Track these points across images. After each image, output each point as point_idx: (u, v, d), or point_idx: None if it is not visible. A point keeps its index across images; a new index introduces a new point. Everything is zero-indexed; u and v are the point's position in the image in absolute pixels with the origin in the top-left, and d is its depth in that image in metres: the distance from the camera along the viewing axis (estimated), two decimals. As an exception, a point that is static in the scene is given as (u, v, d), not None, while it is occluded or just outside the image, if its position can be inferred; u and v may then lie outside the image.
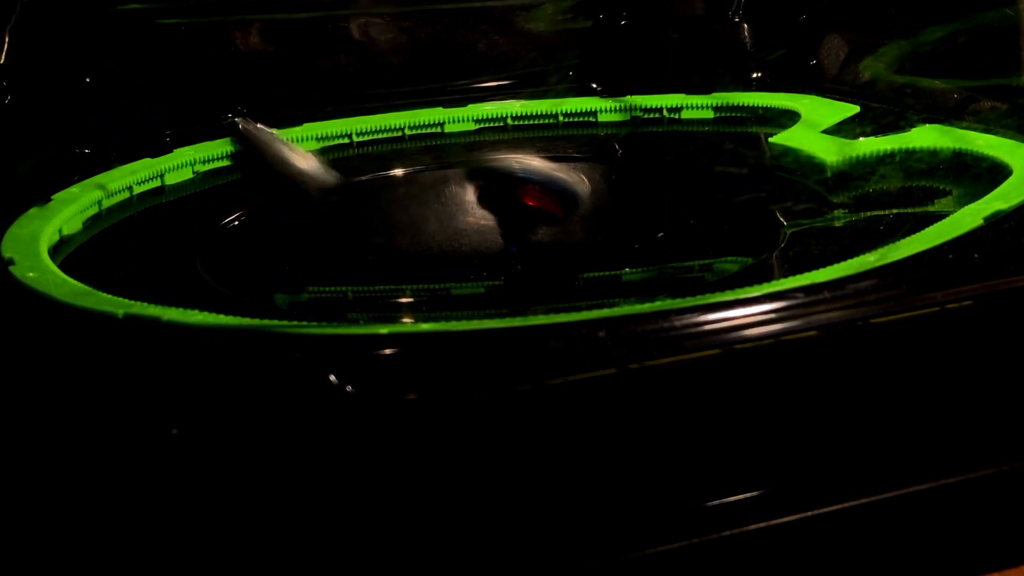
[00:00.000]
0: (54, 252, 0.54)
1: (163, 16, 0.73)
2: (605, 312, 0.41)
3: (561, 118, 0.73)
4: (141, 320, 0.42)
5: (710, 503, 0.40)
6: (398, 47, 0.77)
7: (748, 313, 0.41)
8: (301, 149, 0.58)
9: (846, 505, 0.42)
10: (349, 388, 0.37)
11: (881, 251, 0.45)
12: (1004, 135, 0.58)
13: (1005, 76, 0.64)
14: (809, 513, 0.41)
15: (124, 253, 0.57)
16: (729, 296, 0.42)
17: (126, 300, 0.44)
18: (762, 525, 0.41)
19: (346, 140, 0.71)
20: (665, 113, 0.72)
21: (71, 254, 0.55)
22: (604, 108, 0.73)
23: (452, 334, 0.40)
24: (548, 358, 0.39)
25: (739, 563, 0.41)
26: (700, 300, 0.41)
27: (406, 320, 0.54)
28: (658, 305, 0.42)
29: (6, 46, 0.67)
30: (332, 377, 0.37)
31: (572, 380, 0.39)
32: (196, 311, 0.42)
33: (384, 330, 0.41)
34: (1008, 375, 0.43)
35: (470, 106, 0.74)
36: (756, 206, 0.59)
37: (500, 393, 0.38)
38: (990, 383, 0.43)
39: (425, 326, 0.41)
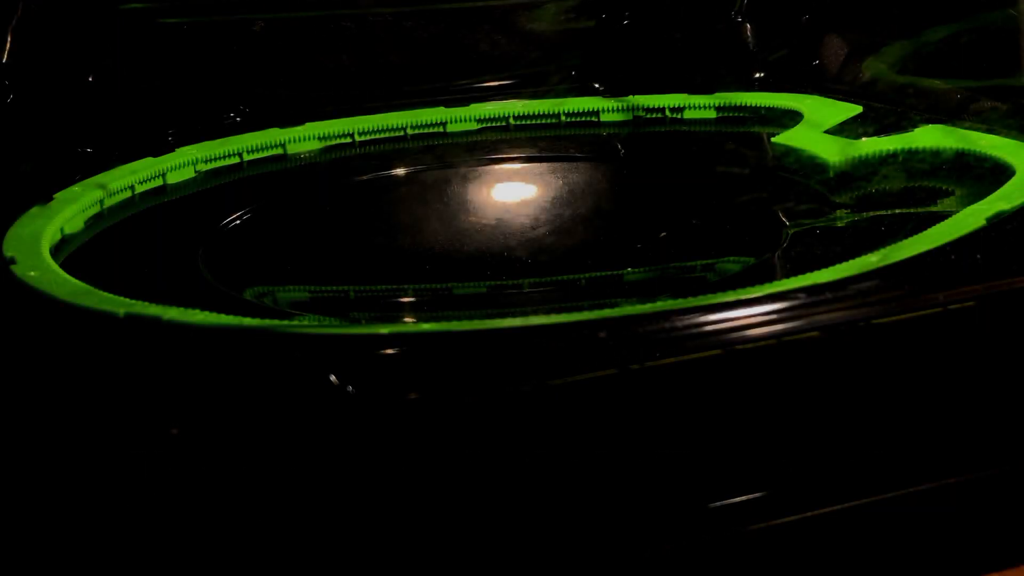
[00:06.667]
0: (56, 251, 0.54)
1: (165, 15, 0.73)
2: (606, 312, 0.41)
3: (563, 118, 0.73)
4: (142, 319, 0.42)
5: (712, 504, 0.40)
6: (401, 46, 0.77)
7: (750, 314, 0.41)
8: None
9: (847, 505, 0.42)
10: (350, 388, 0.37)
11: (883, 252, 0.45)
12: (1007, 135, 0.58)
13: (1008, 76, 0.64)
14: (810, 513, 0.41)
15: (126, 252, 0.57)
16: (731, 296, 0.42)
17: (127, 299, 0.44)
18: (762, 526, 0.41)
19: (348, 140, 0.71)
20: (667, 113, 0.72)
21: (73, 253, 0.55)
22: (606, 108, 0.73)
23: (453, 334, 0.40)
24: (549, 359, 0.39)
25: (740, 564, 0.41)
26: (701, 300, 0.41)
27: (408, 320, 0.54)
28: (659, 305, 0.42)
29: (8, 45, 0.67)
30: (333, 377, 0.37)
31: (573, 381, 0.39)
32: (197, 311, 0.42)
33: (385, 330, 0.41)
34: (1010, 376, 0.43)
35: (472, 106, 0.74)
36: (758, 206, 0.59)
37: (501, 394, 0.38)
38: (992, 384, 0.43)
39: (426, 326, 0.41)
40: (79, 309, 0.44)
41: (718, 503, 0.40)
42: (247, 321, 0.42)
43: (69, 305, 0.44)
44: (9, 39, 0.67)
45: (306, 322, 0.42)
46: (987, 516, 0.43)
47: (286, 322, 0.42)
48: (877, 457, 0.42)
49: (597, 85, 0.77)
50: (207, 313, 0.42)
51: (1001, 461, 0.43)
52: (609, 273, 0.58)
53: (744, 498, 0.41)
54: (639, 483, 0.40)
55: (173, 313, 0.42)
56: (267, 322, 0.42)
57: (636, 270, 0.58)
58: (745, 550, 0.41)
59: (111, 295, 0.45)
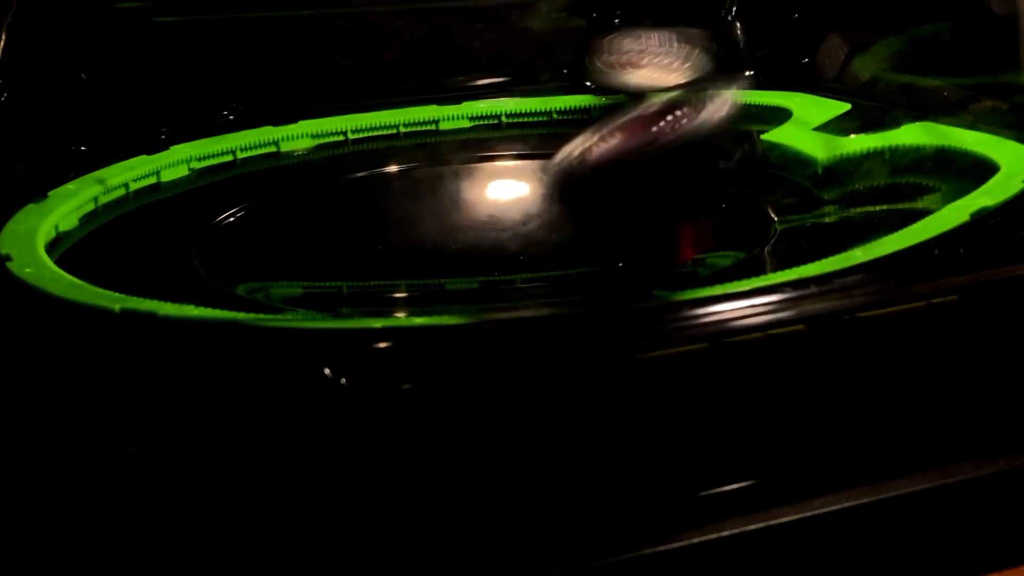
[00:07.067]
0: (51, 248, 0.54)
1: (160, 14, 0.73)
2: (596, 307, 0.42)
3: (555, 115, 0.73)
4: (137, 315, 0.42)
5: (700, 495, 0.41)
6: (394, 45, 0.78)
7: (736, 307, 0.41)
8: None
9: (844, 505, 0.42)
10: (343, 381, 0.37)
11: (868, 246, 0.45)
12: (991, 132, 0.58)
13: (994, 74, 0.65)
14: (807, 513, 0.41)
15: (121, 249, 0.57)
16: (718, 290, 0.42)
17: (123, 295, 0.45)
18: (758, 523, 0.41)
19: (341, 138, 0.72)
20: None
21: (68, 250, 0.55)
22: (597, 105, 0.73)
23: (445, 328, 0.41)
24: (539, 352, 0.40)
25: (730, 559, 0.41)
26: (689, 294, 0.42)
27: (400, 314, 0.55)
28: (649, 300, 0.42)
29: (3, 44, 0.67)
30: (326, 370, 0.38)
31: (563, 374, 0.39)
32: (191, 306, 0.43)
33: (378, 324, 0.41)
34: (994, 369, 0.43)
35: (465, 104, 0.74)
36: (747, 202, 0.59)
37: (491, 387, 0.39)
38: (976, 378, 0.43)
39: (418, 320, 0.42)
40: (74, 305, 0.44)
41: (708, 493, 0.41)
42: (240, 316, 0.42)
43: (64, 301, 0.44)
44: (3, 37, 0.67)
45: (299, 317, 0.43)
46: (988, 517, 0.44)
47: (279, 316, 0.42)
48: (873, 455, 0.42)
49: (588, 83, 0.77)
50: (201, 308, 0.43)
51: (999, 460, 0.43)
52: (599, 268, 0.58)
53: (738, 493, 0.41)
54: (628, 475, 0.40)
55: (168, 309, 0.42)
56: (260, 317, 0.42)
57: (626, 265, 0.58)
58: (739, 547, 0.41)
59: (106, 291, 0.45)
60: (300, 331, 0.42)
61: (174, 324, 0.42)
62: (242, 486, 0.38)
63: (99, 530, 0.38)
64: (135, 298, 0.44)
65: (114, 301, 0.44)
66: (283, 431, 0.38)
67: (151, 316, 0.42)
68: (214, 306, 0.43)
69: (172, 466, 0.38)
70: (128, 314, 0.43)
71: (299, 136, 0.71)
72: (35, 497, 0.39)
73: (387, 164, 0.68)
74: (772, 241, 0.52)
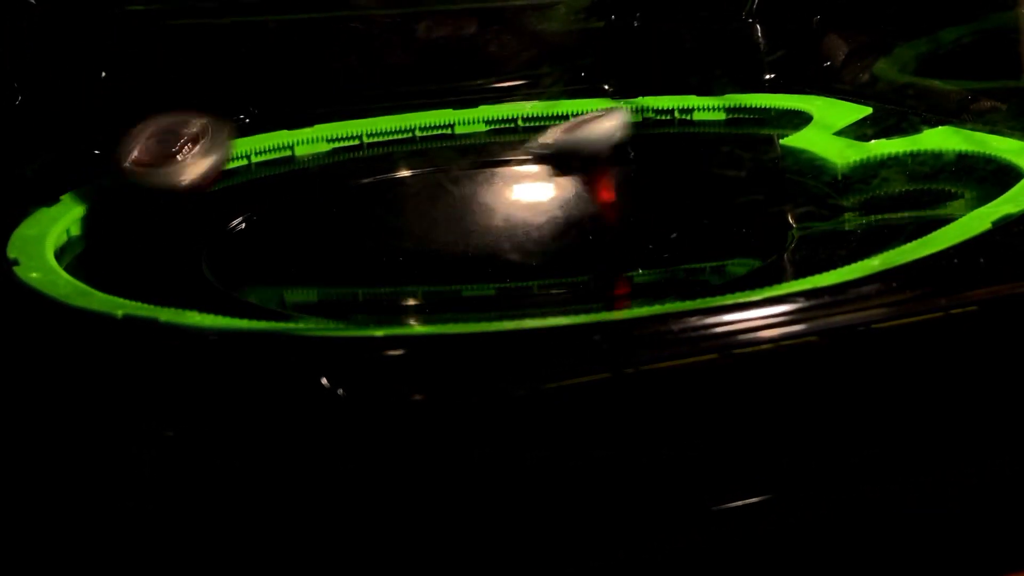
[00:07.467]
0: (61, 253, 0.54)
1: (173, 17, 0.73)
2: (605, 315, 0.41)
3: (572, 119, 0.72)
4: (139, 321, 0.42)
5: (713, 508, 0.40)
6: (409, 48, 0.77)
7: (749, 317, 0.40)
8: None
9: (849, 511, 0.41)
10: (340, 391, 0.37)
11: (885, 255, 0.44)
12: (1016, 137, 0.57)
13: (1019, 78, 0.64)
14: (811, 518, 0.41)
15: (132, 254, 0.57)
16: (729, 300, 0.41)
17: (126, 301, 0.45)
18: (769, 530, 0.40)
19: (356, 142, 0.71)
20: (676, 115, 0.72)
21: (78, 255, 0.55)
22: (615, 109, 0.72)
23: (447, 337, 0.40)
24: (546, 362, 0.39)
25: (741, 569, 0.41)
26: (700, 303, 0.41)
27: (403, 323, 0.54)
28: (658, 308, 0.41)
29: (17, 48, 0.67)
30: (324, 380, 0.37)
31: (569, 384, 0.39)
32: (193, 312, 0.42)
33: (379, 333, 0.40)
34: (1013, 381, 0.42)
35: (481, 107, 0.73)
36: (766, 208, 0.59)
37: (496, 397, 0.38)
38: (995, 389, 0.42)
39: (420, 329, 0.41)
40: (77, 311, 0.44)
41: (718, 507, 0.40)
42: (242, 323, 0.42)
43: (67, 307, 0.44)
44: (18, 42, 0.67)
45: (300, 325, 0.42)
46: (990, 521, 0.43)
47: (280, 324, 0.42)
48: (878, 463, 0.41)
49: (607, 86, 0.77)
50: (202, 315, 0.42)
51: (1005, 466, 0.42)
52: (615, 276, 0.58)
53: (744, 503, 0.40)
54: (636, 487, 0.39)
55: (169, 315, 0.42)
56: (261, 324, 0.42)
57: (642, 272, 0.58)
58: (754, 553, 0.41)
59: (111, 297, 0.45)
60: (300, 339, 0.41)
61: (175, 331, 0.41)
62: (242, 496, 0.38)
63: (96, 539, 0.38)
64: (141, 304, 0.44)
65: (118, 307, 0.44)
66: (284, 441, 0.37)
67: (152, 322, 0.42)
68: (223, 312, 0.43)
69: (170, 475, 0.37)
70: (130, 320, 0.42)
71: (314, 140, 0.70)
72: (33, 502, 0.38)
73: (403, 168, 0.67)
74: (788, 249, 0.51)
